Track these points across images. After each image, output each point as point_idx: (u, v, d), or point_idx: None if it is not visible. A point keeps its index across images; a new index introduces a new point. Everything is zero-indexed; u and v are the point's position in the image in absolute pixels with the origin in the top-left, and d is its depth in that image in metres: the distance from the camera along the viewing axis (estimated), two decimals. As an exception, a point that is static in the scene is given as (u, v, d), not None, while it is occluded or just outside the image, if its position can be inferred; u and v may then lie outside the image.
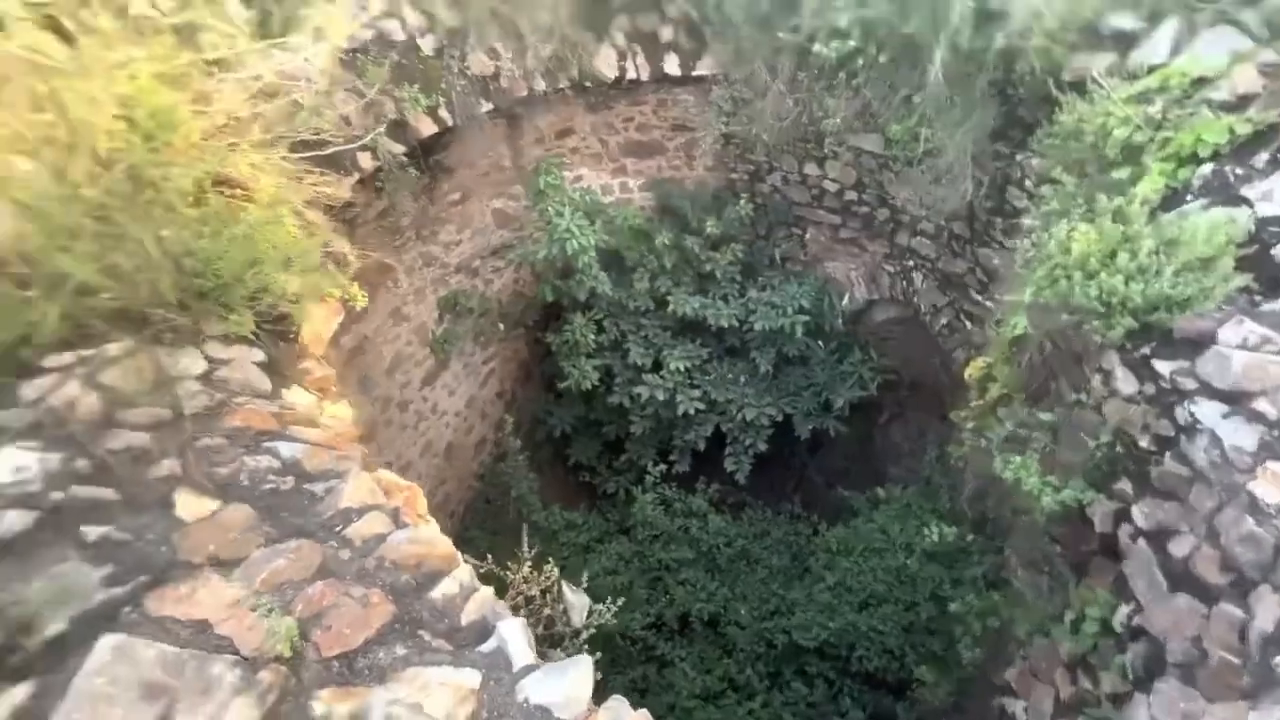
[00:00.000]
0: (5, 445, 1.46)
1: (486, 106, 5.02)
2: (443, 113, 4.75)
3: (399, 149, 4.52)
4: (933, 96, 4.21)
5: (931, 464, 5.93)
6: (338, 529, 1.62)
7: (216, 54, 2.70)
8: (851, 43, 4.26)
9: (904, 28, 4.06)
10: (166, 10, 2.65)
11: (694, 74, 5.45)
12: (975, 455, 3.93)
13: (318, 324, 2.58)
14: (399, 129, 4.46)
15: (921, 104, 4.29)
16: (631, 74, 5.40)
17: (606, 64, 5.32)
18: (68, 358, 1.74)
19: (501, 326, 6.66)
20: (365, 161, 4.31)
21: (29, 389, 1.64)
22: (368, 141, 3.94)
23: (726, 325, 5.85)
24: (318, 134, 3.35)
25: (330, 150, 3.47)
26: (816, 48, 4.42)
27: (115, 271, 1.83)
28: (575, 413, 6.98)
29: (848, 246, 6.34)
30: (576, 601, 2.01)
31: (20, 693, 1.06)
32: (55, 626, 1.16)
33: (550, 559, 2.21)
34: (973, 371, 4.02)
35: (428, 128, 4.65)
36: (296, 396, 2.19)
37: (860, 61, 4.43)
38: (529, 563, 2.26)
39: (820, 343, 6.08)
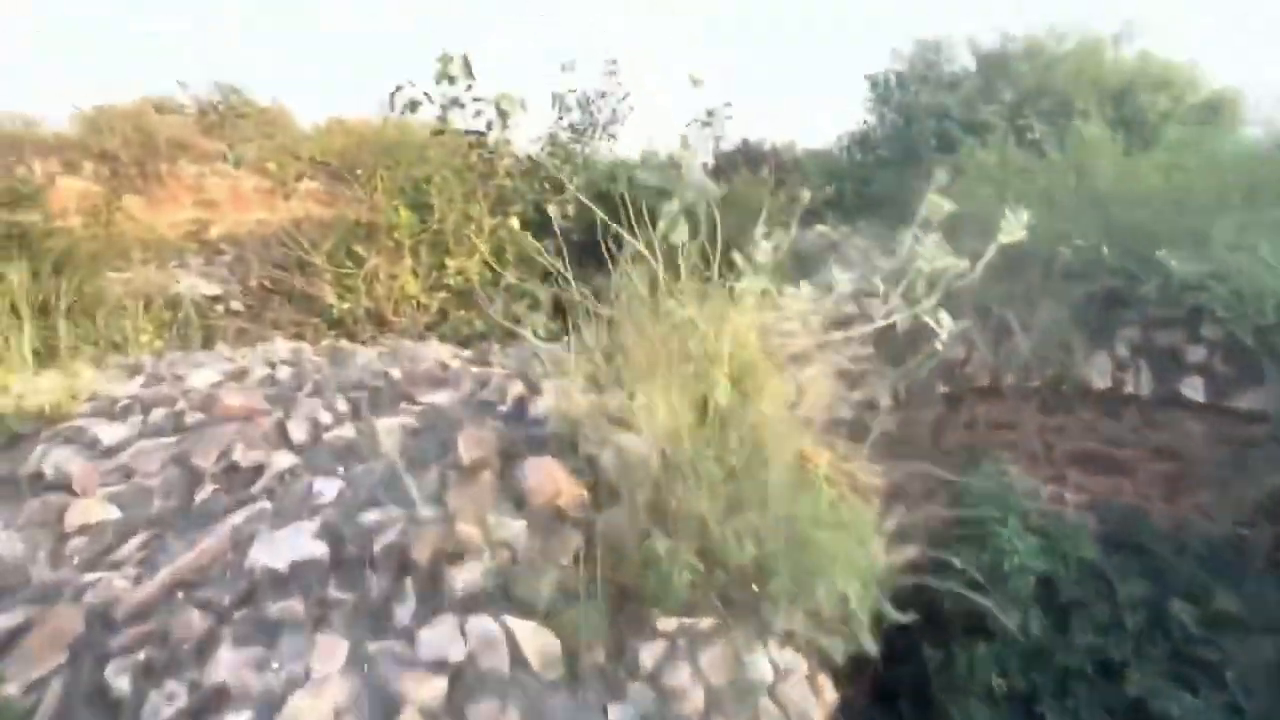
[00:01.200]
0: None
1: (942, 389, 4.76)
2: (898, 388, 4.63)
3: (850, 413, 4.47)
4: None
5: None
6: None
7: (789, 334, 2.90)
8: None
9: None
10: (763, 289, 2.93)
11: (1226, 405, 4.33)
12: None
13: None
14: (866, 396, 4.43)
15: None
16: (1129, 389, 4.57)
17: (1098, 372, 4.63)
18: (673, 624, 1.61)
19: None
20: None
21: (647, 653, 1.52)
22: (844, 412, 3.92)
23: (1245, 761, 3.83)
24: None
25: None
26: None
27: (734, 536, 1.75)
28: (926, 754, 5.29)
29: None
30: None
31: None
32: None
33: None
34: None
35: (886, 399, 4.53)
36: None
37: None
38: None
39: None
